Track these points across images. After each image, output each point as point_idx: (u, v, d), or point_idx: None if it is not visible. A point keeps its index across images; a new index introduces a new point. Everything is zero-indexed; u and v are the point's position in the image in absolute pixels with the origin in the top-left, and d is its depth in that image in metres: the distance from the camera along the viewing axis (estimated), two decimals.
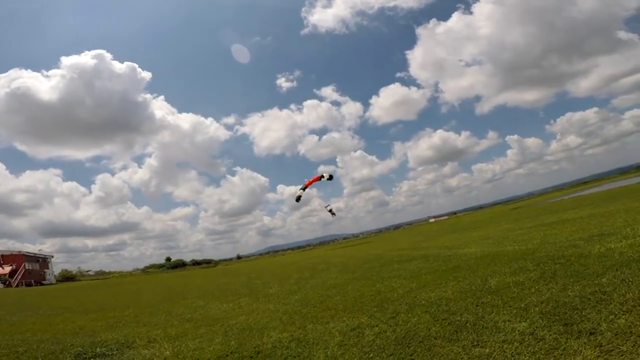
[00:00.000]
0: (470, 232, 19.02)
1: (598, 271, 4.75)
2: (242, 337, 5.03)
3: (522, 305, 4.00)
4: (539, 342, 2.93)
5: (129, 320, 8.23)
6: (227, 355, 4.23)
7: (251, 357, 4.06)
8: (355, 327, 4.53)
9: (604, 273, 4.58)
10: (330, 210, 41.34)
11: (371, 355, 3.44)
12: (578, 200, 25.28)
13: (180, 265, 68.75)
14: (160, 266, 70.44)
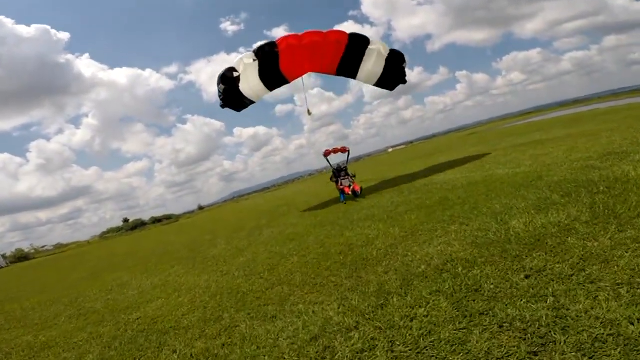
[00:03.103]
0: (436, 157, 17.84)
1: None
2: (125, 354, 2.96)
3: (631, 280, 2.17)
4: None
5: (17, 317, 6.57)
6: None
7: None
8: (317, 334, 2.56)
9: None
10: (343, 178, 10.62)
11: None
12: (536, 125, 24.96)
13: (140, 225, 63.86)
14: (119, 229, 65.24)
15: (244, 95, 9.42)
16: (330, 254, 4.66)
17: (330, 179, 10.89)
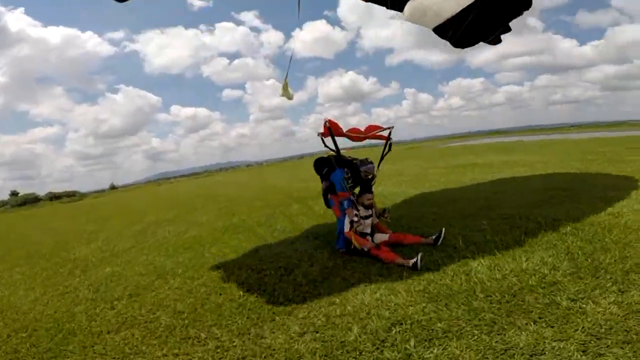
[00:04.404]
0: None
1: None
2: None
3: None
4: None
5: None
6: None
7: None
8: None
9: None
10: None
11: None
12: (470, 148, 26.48)
13: (32, 200, 52.17)
14: (3, 204, 52.19)
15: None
16: (229, 282, 3.27)
17: (324, 199, 4.22)
